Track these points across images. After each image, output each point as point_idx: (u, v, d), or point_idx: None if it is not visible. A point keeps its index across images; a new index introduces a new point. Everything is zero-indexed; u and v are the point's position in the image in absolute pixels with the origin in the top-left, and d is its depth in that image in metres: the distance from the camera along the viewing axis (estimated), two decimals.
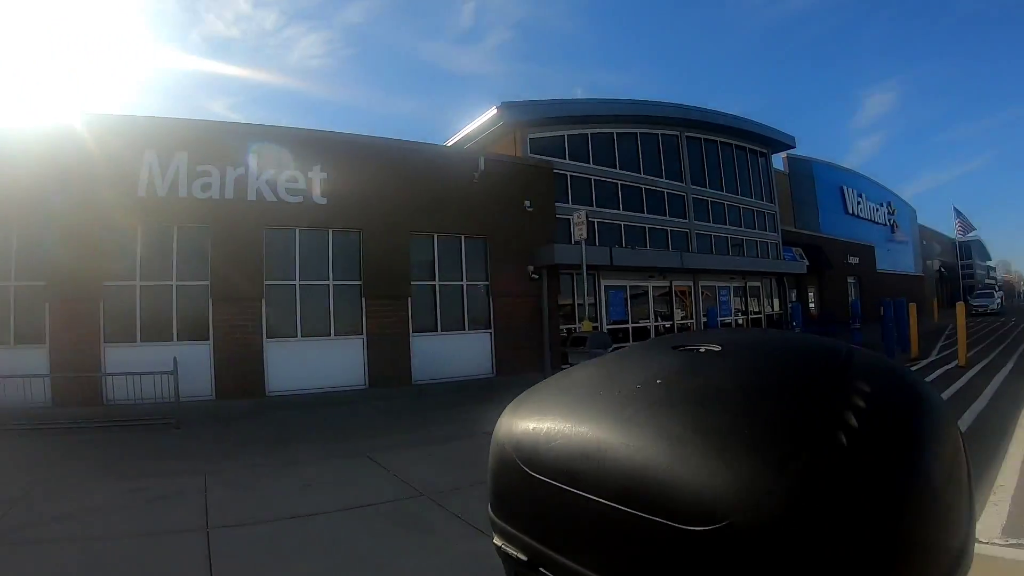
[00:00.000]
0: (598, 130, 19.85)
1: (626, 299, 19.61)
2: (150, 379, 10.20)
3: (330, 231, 13.56)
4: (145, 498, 5.67)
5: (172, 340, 11.79)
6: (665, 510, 0.43)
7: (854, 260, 33.56)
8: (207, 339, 12.09)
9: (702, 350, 0.58)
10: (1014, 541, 3.99)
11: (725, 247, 24.06)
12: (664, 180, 21.84)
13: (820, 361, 0.53)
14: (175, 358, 10.36)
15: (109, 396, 10.73)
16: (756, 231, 26.01)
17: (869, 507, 0.41)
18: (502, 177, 15.79)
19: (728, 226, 24.42)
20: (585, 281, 16.46)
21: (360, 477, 6.48)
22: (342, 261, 13.68)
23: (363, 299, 13.71)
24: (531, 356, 15.37)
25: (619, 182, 20.13)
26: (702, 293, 22.26)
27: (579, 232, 15.83)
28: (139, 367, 10.36)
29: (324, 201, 13.34)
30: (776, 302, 26.70)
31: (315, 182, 13.30)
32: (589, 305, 17.41)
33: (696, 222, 22.83)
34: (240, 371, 12.12)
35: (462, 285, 15.25)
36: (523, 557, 0.55)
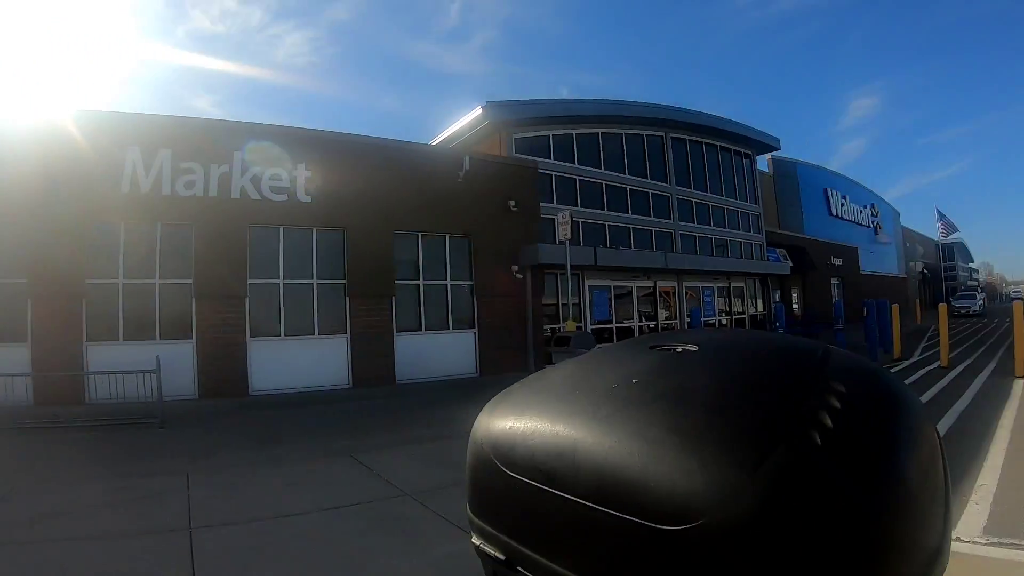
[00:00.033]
0: (583, 130, 19.94)
1: (610, 299, 19.75)
2: (133, 378, 10.12)
3: (314, 230, 13.55)
4: (128, 498, 5.66)
5: (155, 339, 11.74)
6: (639, 509, 0.43)
7: (838, 261, 33.88)
8: (190, 338, 12.06)
9: (679, 350, 0.58)
10: (995, 540, 4.03)
11: (709, 248, 24.25)
12: (649, 181, 21.98)
13: (796, 361, 0.53)
14: (157, 357, 10.31)
15: (92, 395, 10.64)
16: (740, 232, 26.23)
17: (842, 507, 0.41)
18: (487, 177, 15.82)
19: (712, 227, 24.61)
20: (569, 281, 16.56)
21: (343, 477, 6.47)
22: (326, 260, 13.68)
23: (347, 298, 13.72)
24: (515, 356, 15.41)
25: (604, 182, 20.25)
26: (686, 293, 22.42)
27: (563, 232, 15.87)
28: (122, 366, 10.27)
29: (308, 199, 13.33)
30: (760, 303, 26.95)
31: (299, 180, 13.28)
32: (573, 305, 17.50)
33: (680, 223, 22.99)
34: (223, 370, 12.09)
35: (446, 284, 15.29)
36: (501, 556, 0.55)
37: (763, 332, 0.75)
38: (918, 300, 42.22)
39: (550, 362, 13.85)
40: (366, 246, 13.87)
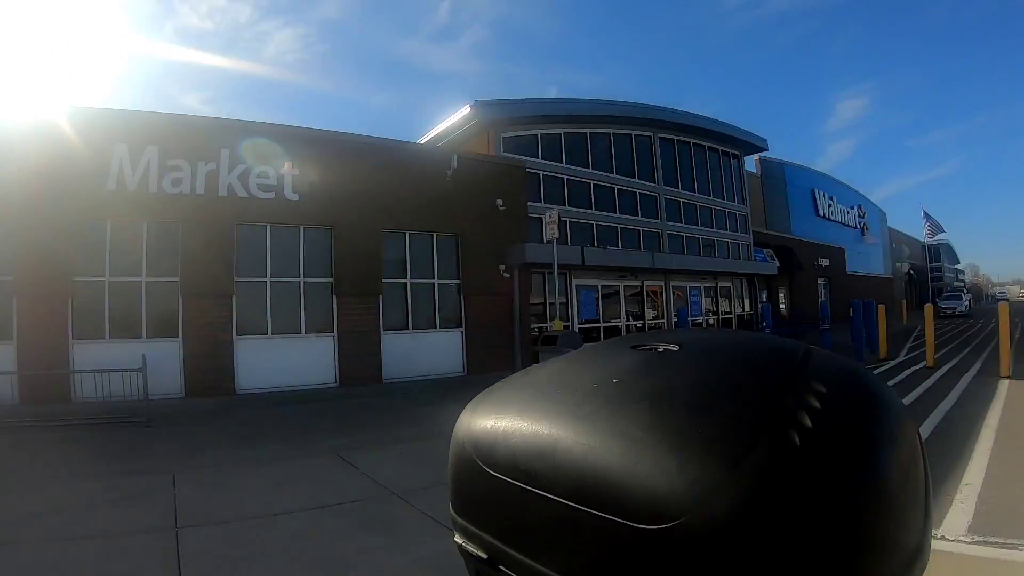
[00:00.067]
0: (571, 130, 20.00)
1: (597, 299, 19.84)
2: (119, 377, 10.07)
3: (301, 228, 13.54)
4: (114, 497, 5.66)
5: (141, 337, 11.70)
6: (619, 508, 0.43)
7: (824, 262, 34.13)
8: (177, 336, 12.03)
9: (660, 350, 0.58)
10: (980, 539, 4.01)
11: (697, 248, 24.38)
12: (637, 180, 22.08)
13: (777, 361, 0.54)
14: (144, 355, 10.26)
15: (78, 394, 10.58)
16: (728, 232, 26.37)
17: (821, 506, 0.41)
18: (475, 175, 15.85)
19: (700, 227, 24.74)
20: (557, 280, 16.62)
21: (330, 475, 6.47)
22: (313, 258, 13.67)
23: (334, 296, 13.73)
24: (502, 355, 15.45)
25: (592, 182, 20.33)
26: (673, 293, 22.55)
27: (551, 231, 15.92)
28: (108, 364, 10.22)
29: (296, 197, 13.31)
30: (747, 303, 27.13)
31: (287, 178, 13.27)
32: (560, 304, 17.57)
33: (668, 223, 23.11)
34: (210, 368, 12.07)
35: (434, 283, 15.32)
36: (483, 555, 0.55)
37: (744, 332, 0.75)
38: (904, 301, 42.47)
39: (537, 361, 13.82)
40: (354, 244, 13.88)
